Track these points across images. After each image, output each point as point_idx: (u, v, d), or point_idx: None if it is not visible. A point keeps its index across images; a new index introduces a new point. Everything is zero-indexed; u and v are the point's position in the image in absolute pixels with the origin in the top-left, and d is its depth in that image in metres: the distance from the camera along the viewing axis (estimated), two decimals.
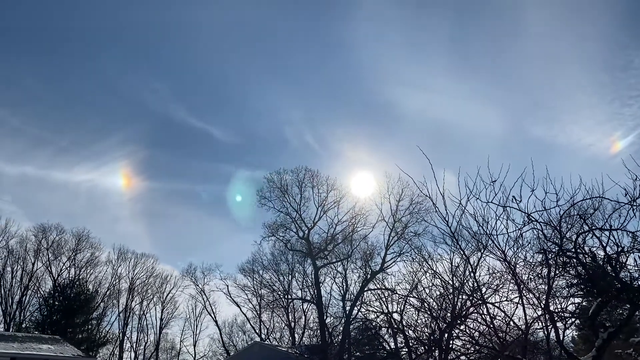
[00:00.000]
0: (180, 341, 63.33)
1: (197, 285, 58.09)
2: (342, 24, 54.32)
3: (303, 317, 52.40)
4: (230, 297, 54.68)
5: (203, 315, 61.28)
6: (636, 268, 11.53)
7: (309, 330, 49.33)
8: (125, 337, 60.25)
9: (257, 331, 55.47)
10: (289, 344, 50.49)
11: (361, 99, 63.43)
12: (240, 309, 55.32)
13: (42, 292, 54.80)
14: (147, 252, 67.89)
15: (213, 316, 58.27)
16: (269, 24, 57.04)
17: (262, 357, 40.45)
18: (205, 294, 57.96)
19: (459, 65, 56.44)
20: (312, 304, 47.84)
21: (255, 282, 54.03)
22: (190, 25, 61.48)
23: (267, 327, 56.26)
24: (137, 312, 61.34)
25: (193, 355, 62.16)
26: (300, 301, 51.26)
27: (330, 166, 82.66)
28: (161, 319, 62.25)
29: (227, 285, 54.64)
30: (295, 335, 52.35)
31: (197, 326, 62.31)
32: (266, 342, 50.93)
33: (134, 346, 61.43)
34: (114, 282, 59.74)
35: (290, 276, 51.81)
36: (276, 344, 50.81)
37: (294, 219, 46.87)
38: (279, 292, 52.20)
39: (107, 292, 58.80)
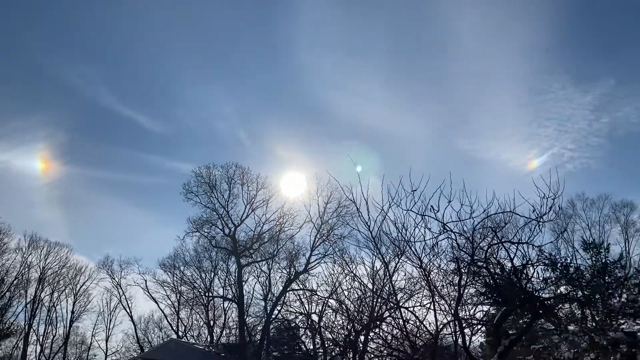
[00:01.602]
0: (92, 335, 60.78)
1: (114, 279, 55.99)
2: (282, 25, 54.42)
3: (223, 315, 51.74)
4: (148, 292, 53.14)
5: (118, 309, 59.11)
6: (539, 280, 12.33)
7: (228, 329, 48.83)
8: (32, 330, 57.00)
9: (174, 328, 54.20)
10: (206, 342, 49.67)
11: (297, 100, 63.77)
12: (158, 305, 53.88)
13: None
14: (62, 241, 64.45)
15: (128, 311, 56.34)
16: (208, 19, 56.19)
17: (178, 354, 39.61)
18: (121, 288, 55.97)
19: (394, 75, 58.04)
20: (233, 303, 47.34)
21: (175, 278, 52.81)
22: (127, 12, 59.41)
23: (185, 324, 55.10)
24: (46, 303, 58.21)
25: (104, 350, 59.79)
26: (221, 299, 50.62)
27: (261, 164, 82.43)
28: (72, 312, 59.42)
29: (146, 280, 53.04)
30: (214, 333, 51.62)
31: (110, 321, 60.02)
32: (183, 339, 49.86)
33: (41, 339, 58.27)
34: (23, 271, 56.38)
35: (212, 274, 51.05)
36: (193, 341, 49.84)
37: (221, 215, 46.28)
38: (200, 290, 51.31)
39: (15, 282, 55.41)
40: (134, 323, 56.38)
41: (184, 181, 50.78)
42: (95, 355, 61.27)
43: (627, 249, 46.60)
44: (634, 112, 58.49)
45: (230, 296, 48.27)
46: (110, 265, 55.99)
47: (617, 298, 19.34)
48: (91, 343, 60.88)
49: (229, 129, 66.01)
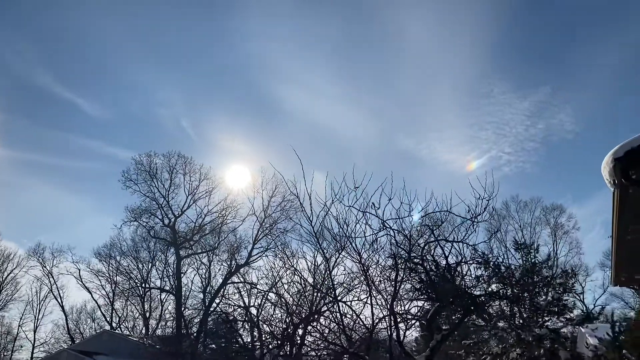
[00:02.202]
0: (19, 326, 58.07)
1: (45, 267, 53.62)
2: (232, 13, 53.51)
3: (160, 307, 50.68)
4: (82, 282, 51.31)
5: (48, 299, 56.68)
6: (472, 277, 12.80)
7: (164, 321, 47.89)
8: None
9: (108, 319, 52.64)
10: (141, 334, 48.54)
11: (244, 91, 62.71)
12: (92, 295, 52.10)
13: None
14: None
15: (60, 301, 54.16)
16: (156, 3, 54.42)
17: (111, 346, 38.56)
18: (53, 277, 53.71)
19: (342, 72, 58.31)
20: (170, 295, 46.45)
21: (111, 268, 51.19)
22: None
23: (120, 315, 53.61)
24: None
25: (32, 341, 57.31)
26: (159, 291, 49.54)
27: (205, 155, 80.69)
28: None
29: (79, 270, 51.17)
30: (150, 325, 50.49)
31: (40, 311, 57.53)
32: (117, 331, 48.51)
33: None
34: None
35: (150, 264, 49.81)
36: (127, 333, 48.60)
37: (161, 205, 45.24)
38: (136, 280, 50.00)
39: None
40: (65, 313, 54.33)
41: (123, 168, 49.19)
42: (22, 347, 58.60)
43: (555, 250, 48.99)
44: (567, 119, 61.44)
45: (168, 288, 47.33)
46: (42, 252, 53.61)
47: (544, 296, 20.36)
48: (18, 334, 58.18)
49: (173, 117, 64.33)
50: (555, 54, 60.09)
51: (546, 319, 19.76)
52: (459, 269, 12.09)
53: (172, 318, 44.11)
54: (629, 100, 60.06)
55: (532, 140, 64.71)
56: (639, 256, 8.76)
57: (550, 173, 68.57)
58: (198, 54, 57.77)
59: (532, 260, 20.80)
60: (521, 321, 19.27)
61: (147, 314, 50.90)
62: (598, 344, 15.76)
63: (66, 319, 54.11)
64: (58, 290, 54.05)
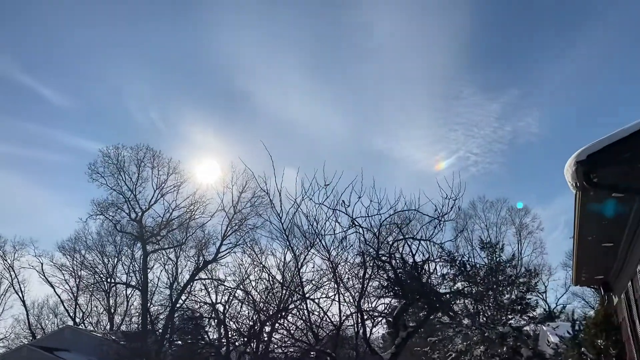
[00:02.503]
0: None
1: (5, 260, 52.05)
2: (204, 7, 52.70)
3: (125, 302, 49.85)
4: (44, 276, 50.05)
5: (9, 293, 55.07)
6: (438, 275, 12.97)
7: (129, 317, 47.14)
8: None
9: (71, 315, 51.53)
10: (105, 329, 47.69)
11: (215, 85, 61.67)
12: (55, 290, 50.86)
13: None
14: None
15: (20, 295, 52.70)
16: None
17: (74, 342, 37.80)
18: (14, 270, 52.21)
19: (315, 69, 58.11)
20: (136, 290, 45.74)
21: (75, 262, 50.03)
22: None
23: (84, 311, 52.52)
24: None
25: None
26: (124, 286, 48.72)
27: (174, 148, 79.49)
28: None
29: (42, 263, 49.90)
30: (115, 321, 49.64)
31: None
32: (80, 326, 47.54)
33: None
34: None
35: (116, 259, 48.88)
36: (91, 329, 47.69)
37: (128, 199, 44.45)
38: (102, 275, 49.03)
39: None
40: (26, 308, 52.88)
41: (89, 160, 48.20)
42: None
43: (519, 249, 50.00)
44: (534, 122, 62.78)
45: (134, 283, 46.54)
46: (2, 245, 52.06)
47: (508, 295, 20.81)
48: None
49: (142, 109, 62.96)
50: (524, 58, 61.28)
51: (509, 317, 20.22)
52: (425, 267, 12.24)
53: (137, 314, 43.46)
54: (593, 105, 61.79)
55: (500, 142, 65.93)
56: (599, 257, 9.01)
57: (516, 174, 69.97)
58: (168, 46, 56.71)
59: (497, 260, 21.24)
60: (485, 319, 19.65)
61: (112, 310, 50.01)
62: (559, 342, 16.20)
63: (27, 314, 52.71)
64: (19, 284, 52.64)
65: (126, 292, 49.43)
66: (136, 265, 46.59)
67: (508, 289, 20.70)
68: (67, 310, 51.96)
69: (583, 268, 10.01)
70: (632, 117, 5.14)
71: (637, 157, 5.08)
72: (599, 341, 10.74)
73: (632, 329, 8.74)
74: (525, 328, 19.92)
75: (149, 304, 41.85)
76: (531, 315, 20.32)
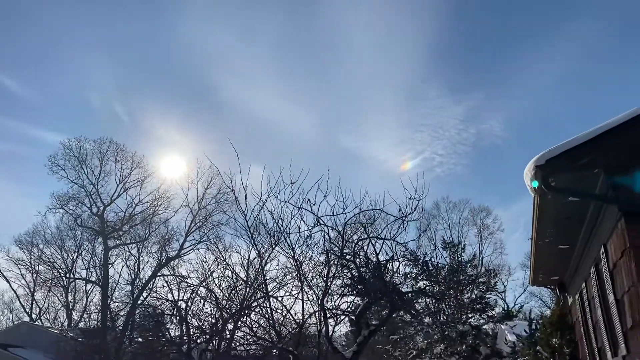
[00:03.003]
0: None
1: None
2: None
3: (85, 298, 48.71)
4: (0, 270, 48.51)
5: None
6: (400, 274, 13.12)
7: (88, 314, 46.10)
8: None
9: (27, 311, 50.08)
10: (63, 326, 46.51)
11: (181, 78, 60.51)
12: (10, 285, 49.33)
13: None
14: None
15: None
16: None
17: (30, 338, 36.70)
18: None
19: (284, 66, 57.87)
20: (96, 286, 44.75)
21: (33, 256, 48.63)
22: None
23: (41, 307, 51.09)
24: None
25: None
26: (84, 282, 47.59)
27: (138, 142, 78.14)
28: None
29: None
30: (73, 317, 48.47)
31: None
32: (37, 322, 46.24)
33: None
34: None
35: (76, 254, 47.68)
36: (48, 325, 46.43)
37: (89, 193, 43.40)
38: (60, 270, 47.78)
39: None
40: None
41: (50, 152, 46.86)
42: None
43: (480, 250, 51.01)
44: (497, 125, 64.22)
45: (94, 279, 45.54)
46: None
47: (468, 294, 21.21)
48: None
49: (105, 101, 61.33)
50: (490, 61, 62.56)
51: (469, 316, 20.61)
52: (389, 265, 12.35)
53: (97, 310, 42.56)
54: (555, 110, 63.55)
55: (464, 144, 67.23)
56: (556, 258, 9.28)
57: (479, 176, 71.40)
58: (133, 37, 55.45)
59: (459, 259, 21.63)
60: (446, 318, 19.99)
61: (71, 306, 48.82)
62: (516, 341, 16.61)
63: None
64: None
65: (86, 288, 48.34)
66: (97, 261, 45.60)
67: (468, 288, 21.12)
68: (23, 306, 50.47)
69: (540, 269, 10.29)
70: (594, 122, 5.32)
71: (594, 163, 5.25)
72: (553, 340, 11.06)
73: (584, 329, 9.04)
74: (484, 327, 20.37)
75: (109, 300, 41.04)
76: (490, 314, 20.78)
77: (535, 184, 5.16)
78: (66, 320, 48.56)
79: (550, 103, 62.86)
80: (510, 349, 17.22)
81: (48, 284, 48.72)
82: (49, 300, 51.19)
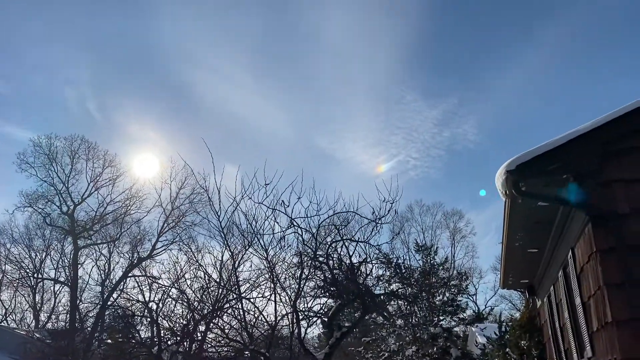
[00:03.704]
0: None
1: None
2: None
3: (53, 299, 47.69)
4: None
5: None
6: (373, 277, 13.18)
7: (56, 315, 45.15)
8: None
9: None
10: (30, 327, 45.45)
11: (156, 75, 59.52)
12: None
13: None
14: None
15: None
16: None
17: None
18: None
19: (261, 66, 57.60)
20: (65, 286, 43.88)
21: None
22: None
23: (7, 307, 49.84)
24: None
25: None
26: (52, 282, 46.60)
27: (111, 141, 76.69)
28: None
29: None
30: (40, 318, 47.40)
31: None
32: (2, 323, 45.09)
33: None
34: None
35: (44, 254, 46.66)
36: (14, 326, 45.30)
37: (60, 191, 42.54)
38: (28, 270, 46.67)
39: None
40: None
41: (19, 149, 45.83)
42: None
43: (452, 253, 51.60)
44: (471, 130, 65.18)
45: (62, 279, 44.66)
46: None
47: (440, 297, 21.45)
48: None
49: (78, 97, 60.07)
50: (464, 66, 63.42)
51: (441, 318, 20.85)
52: (362, 268, 12.39)
53: (65, 311, 41.71)
54: (528, 115, 64.76)
55: (438, 148, 68.02)
56: (525, 262, 9.44)
57: (452, 180, 72.29)
58: (108, 32, 54.47)
59: (431, 262, 21.86)
60: (418, 320, 20.16)
61: (38, 307, 47.75)
62: (486, 343, 16.84)
63: None
64: None
65: (54, 288, 47.35)
66: (66, 261, 44.71)
67: (440, 291, 21.35)
68: None
69: (510, 272, 10.45)
70: (565, 127, 5.43)
71: (564, 168, 5.35)
72: (522, 342, 11.25)
73: (552, 331, 9.20)
74: (455, 329, 20.61)
75: (78, 301, 40.26)
76: (461, 316, 21.06)
77: (506, 188, 5.24)
78: (33, 321, 47.47)
79: (523, 108, 64.10)
80: (481, 351, 17.47)
81: (15, 284, 47.54)
82: (15, 300, 49.94)
